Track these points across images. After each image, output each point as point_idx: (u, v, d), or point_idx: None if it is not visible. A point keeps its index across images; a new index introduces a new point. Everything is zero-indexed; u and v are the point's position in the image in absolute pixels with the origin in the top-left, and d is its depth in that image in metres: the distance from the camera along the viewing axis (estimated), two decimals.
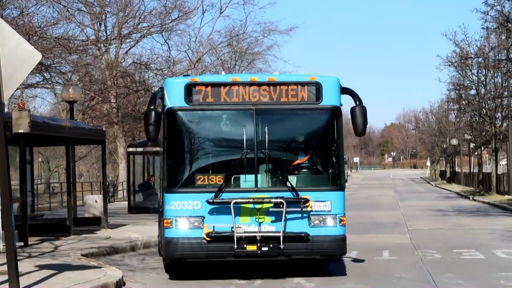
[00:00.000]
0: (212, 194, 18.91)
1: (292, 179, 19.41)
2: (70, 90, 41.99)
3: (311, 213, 19.21)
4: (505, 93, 64.93)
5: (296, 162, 20.02)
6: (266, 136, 19.32)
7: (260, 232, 18.93)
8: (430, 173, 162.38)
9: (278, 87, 19.58)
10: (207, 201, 18.85)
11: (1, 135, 17.46)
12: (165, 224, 19.25)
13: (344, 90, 20.08)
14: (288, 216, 18.98)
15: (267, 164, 19.47)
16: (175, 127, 19.45)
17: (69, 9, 44.70)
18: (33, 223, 31.50)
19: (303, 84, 19.71)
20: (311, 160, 20.37)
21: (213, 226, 18.85)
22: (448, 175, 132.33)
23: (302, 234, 19.03)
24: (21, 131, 25.42)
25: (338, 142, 19.88)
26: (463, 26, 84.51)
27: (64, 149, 37.53)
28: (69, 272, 20.23)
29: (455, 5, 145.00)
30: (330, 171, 20.08)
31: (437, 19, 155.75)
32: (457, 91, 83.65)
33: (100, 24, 64.36)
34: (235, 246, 18.70)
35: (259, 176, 19.31)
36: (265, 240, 18.85)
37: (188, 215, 19.04)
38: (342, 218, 19.49)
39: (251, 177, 19.30)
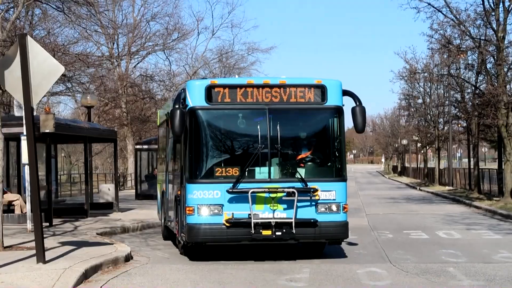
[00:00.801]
0: (230, 185, 18.21)
1: (301, 171, 18.77)
2: (88, 97, 42.02)
3: (319, 201, 18.60)
4: (446, 102, 65.08)
5: (304, 155, 19.34)
6: (278, 132, 18.66)
7: (274, 218, 18.26)
8: (384, 167, 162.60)
9: (288, 88, 18.94)
10: (227, 191, 18.14)
11: (31, 134, 17.50)
12: (187, 212, 18.44)
13: (345, 92, 19.49)
14: (299, 204, 18.30)
15: (279, 158, 18.83)
16: (196, 124, 18.60)
17: (87, 30, 44.42)
18: (56, 207, 31.43)
19: (310, 86, 19.10)
20: (317, 153, 19.73)
21: (232, 213, 18.19)
22: (399, 169, 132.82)
23: (312, 220, 18.41)
24: (47, 131, 25.38)
25: (340, 138, 19.34)
26: (412, 47, 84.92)
27: (83, 146, 37.44)
28: (86, 248, 20.21)
29: (406, 28, 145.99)
30: (334, 163, 19.50)
31: (391, 39, 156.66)
32: (407, 100, 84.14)
33: (113, 43, 64.31)
34: (253, 231, 18.04)
35: (272, 168, 18.61)
36: (279, 225, 18.21)
37: (209, 203, 18.31)
38: (345, 206, 18.92)
39: (265, 169, 18.59)
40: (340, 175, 19.12)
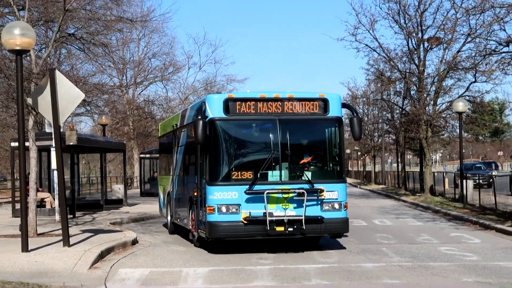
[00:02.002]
0: (246, 186, 16.59)
1: (308, 173, 17.15)
2: (103, 117, 41.94)
3: (324, 200, 17.05)
4: (380, 120, 65.48)
5: (310, 159, 17.59)
6: (287, 139, 16.97)
7: (286, 216, 16.67)
8: None
9: (295, 101, 17.40)
10: (245, 192, 16.55)
11: (58, 146, 17.45)
12: (208, 211, 16.78)
13: (344, 105, 18.46)
14: (307, 203, 16.73)
15: (289, 162, 17.08)
16: (215, 133, 16.88)
17: (102, 66, 44.36)
18: (78, 203, 31.36)
19: (314, 99, 17.58)
20: (321, 158, 18.14)
21: (249, 212, 16.60)
22: None
23: (319, 217, 16.88)
24: (71, 143, 25.23)
25: (340, 145, 17.98)
26: (354, 78, 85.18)
27: (99, 155, 37.36)
28: (102, 234, 20.12)
29: (349, 63, 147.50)
30: (336, 167, 18.01)
31: (338, 71, 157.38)
32: (349, 119, 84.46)
33: (123, 75, 64.26)
34: (268, 228, 16.47)
35: (282, 171, 16.96)
36: (291, 222, 16.61)
37: (227, 203, 16.64)
38: (345, 204, 17.42)
39: (276, 172, 16.91)
40: (341, 177, 17.78)
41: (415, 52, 40.73)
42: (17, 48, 16.33)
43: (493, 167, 59.98)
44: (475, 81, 39.02)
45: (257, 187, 16.63)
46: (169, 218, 23.31)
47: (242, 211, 16.66)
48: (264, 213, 16.59)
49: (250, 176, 16.85)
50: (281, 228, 16.59)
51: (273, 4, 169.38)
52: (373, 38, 40.70)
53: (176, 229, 22.49)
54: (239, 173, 16.97)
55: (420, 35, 40.13)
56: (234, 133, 17.43)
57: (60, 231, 17.81)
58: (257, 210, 16.65)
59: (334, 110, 17.64)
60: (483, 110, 49.73)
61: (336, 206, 17.22)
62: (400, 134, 52.66)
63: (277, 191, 16.67)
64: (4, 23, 27.85)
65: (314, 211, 16.93)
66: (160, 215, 26.67)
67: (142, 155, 53.57)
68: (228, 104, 17.06)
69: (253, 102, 17.25)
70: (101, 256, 16.24)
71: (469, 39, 34.86)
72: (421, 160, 45.49)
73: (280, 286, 12.91)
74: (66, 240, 17.06)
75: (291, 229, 16.61)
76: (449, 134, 50.83)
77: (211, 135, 16.85)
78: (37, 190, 21.76)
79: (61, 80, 17.44)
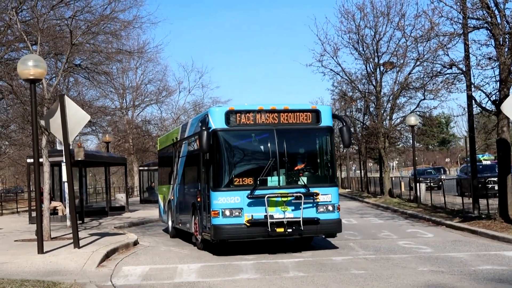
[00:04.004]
0: (247, 191, 15.70)
1: (304, 178, 16.26)
2: (107, 136, 41.96)
3: (319, 203, 16.15)
4: None
5: (305, 165, 16.70)
6: (284, 148, 16.10)
7: (285, 218, 15.78)
8: None
9: (290, 113, 16.49)
10: (247, 196, 15.67)
11: (68, 161, 17.33)
12: (213, 215, 15.78)
13: (334, 116, 17.66)
14: (304, 205, 15.88)
15: (286, 168, 16.18)
16: (217, 143, 15.93)
17: (105, 91, 44.34)
18: (86, 210, 31.21)
19: (307, 111, 16.68)
20: (315, 164, 17.19)
21: (252, 215, 15.68)
22: None
23: (315, 219, 15.99)
24: (79, 159, 25.16)
25: (332, 152, 17.01)
26: (321, 97, 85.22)
27: (104, 168, 37.15)
28: (107, 237, 19.99)
29: (317, 85, 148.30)
30: (328, 172, 16.92)
31: (308, 92, 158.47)
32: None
33: (123, 99, 64.07)
34: (269, 229, 15.57)
35: (280, 177, 16.02)
36: (290, 224, 15.73)
37: (231, 207, 15.70)
38: (338, 206, 16.54)
39: (275, 178, 15.99)
40: (333, 181, 16.74)
41: (373, 75, 40.91)
42: (31, 77, 16.32)
43: (442, 172, 60.12)
44: (424, 99, 39.28)
45: (257, 192, 15.75)
46: (170, 223, 22.42)
47: (244, 214, 15.76)
48: (265, 215, 15.74)
49: (250, 182, 15.94)
50: (281, 229, 15.75)
51: (252, 35, 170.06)
52: (337, 64, 40.86)
53: (177, 233, 21.70)
54: (240, 179, 16.03)
55: (376, 60, 40.33)
56: (235, 142, 16.51)
57: (71, 235, 17.73)
58: (258, 213, 15.78)
59: (326, 120, 16.77)
60: (431, 123, 50.07)
61: (330, 208, 16.35)
62: (362, 145, 52.87)
63: (276, 195, 15.79)
64: (19, 56, 27.70)
65: (310, 213, 16.09)
66: (160, 220, 25.91)
67: (141, 168, 54.10)
68: (229, 116, 16.20)
69: (252, 114, 16.37)
70: (107, 256, 16.12)
71: (418, 63, 35.09)
72: (380, 167, 45.62)
73: (262, 278, 12.84)
74: (76, 242, 16.93)
75: (290, 230, 15.79)
76: (403, 144, 51.18)
77: (214, 144, 15.95)
78: (50, 200, 21.57)
79: (70, 104, 17.35)
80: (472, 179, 24.94)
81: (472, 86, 22.18)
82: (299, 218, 15.83)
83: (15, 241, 19.95)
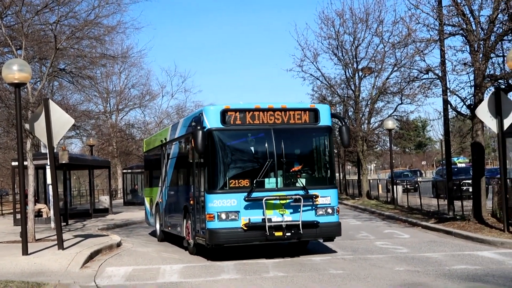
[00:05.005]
0: (244, 194, 14.61)
1: (302, 180, 15.15)
2: (91, 139, 41.75)
3: (318, 205, 15.15)
4: None
5: (303, 167, 15.54)
6: (282, 148, 15.03)
7: (284, 221, 14.75)
8: None
9: (288, 112, 15.39)
10: (244, 199, 14.58)
11: (52, 164, 17.27)
12: (208, 218, 14.69)
13: (333, 115, 16.47)
14: (303, 208, 14.86)
15: (284, 169, 15.06)
16: (212, 143, 14.81)
17: (89, 95, 44.11)
18: (70, 212, 31.03)
19: (305, 110, 15.61)
20: (313, 165, 16.07)
21: (249, 218, 14.60)
22: None
23: (314, 222, 15.00)
24: (63, 162, 25.02)
25: (331, 152, 15.99)
26: (301, 102, 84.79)
27: (88, 171, 37.00)
28: (91, 239, 19.89)
29: (296, 90, 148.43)
30: (327, 173, 15.87)
31: (289, 97, 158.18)
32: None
33: (107, 103, 63.83)
34: (267, 233, 14.53)
35: (278, 179, 14.94)
36: (288, 227, 14.70)
37: (227, 210, 14.58)
38: (337, 209, 15.60)
39: (273, 179, 14.92)
40: (332, 182, 15.78)
41: (352, 80, 41.18)
42: (16, 81, 16.25)
43: (418, 174, 60.61)
44: (401, 103, 39.62)
45: (255, 194, 14.65)
46: (158, 226, 21.40)
47: (241, 218, 14.65)
48: (263, 219, 14.67)
49: (247, 184, 14.81)
50: (280, 233, 14.71)
51: (234, 41, 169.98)
52: (317, 69, 41.18)
53: (166, 236, 20.79)
54: (236, 181, 14.88)
55: (355, 65, 40.59)
56: (231, 142, 15.38)
57: (55, 237, 17.60)
58: (255, 216, 14.70)
59: (324, 120, 15.73)
60: (408, 127, 50.48)
61: (329, 210, 15.35)
62: (340, 148, 52.98)
63: (274, 197, 14.75)
64: (4, 61, 27.50)
65: (309, 216, 15.07)
66: (145, 222, 25.01)
67: (124, 171, 54.04)
68: (225, 115, 15.08)
69: (249, 113, 15.23)
70: (91, 257, 16.03)
71: (396, 68, 35.38)
72: (358, 169, 45.82)
73: (243, 278, 12.86)
74: (60, 244, 16.83)
75: (289, 234, 14.74)
76: (381, 148, 51.47)
77: (208, 145, 14.83)
78: (35, 202, 21.43)
79: (54, 108, 17.27)
80: (447, 181, 25.15)
81: (448, 91, 22.41)
82: (298, 221, 14.84)
83: (0, 242, 19.82)
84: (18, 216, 25.41)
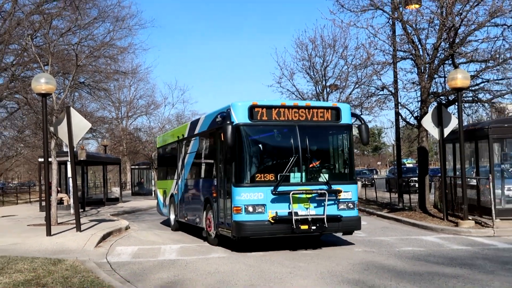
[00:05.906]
0: (271, 188, 12.72)
1: (326, 175, 13.33)
2: (105, 140, 41.47)
3: (340, 200, 13.31)
4: None
5: (326, 162, 13.83)
6: (306, 144, 13.16)
7: (309, 215, 12.93)
8: None
9: (312, 110, 13.58)
10: (272, 192, 12.71)
11: (72, 161, 17.13)
12: (235, 211, 12.74)
13: (353, 114, 14.38)
14: (327, 202, 13.04)
15: (308, 165, 13.24)
16: (239, 138, 12.92)
17: (104, 104, 43.94)
18: (87, 200, 30.86)
19: (328, 108, 13.84)
20: (336, 161, 14.17)
21: (276, 212, 12.73)
22: None
23: (338, 216, 13.18)
24: (81, 159, 24.82)
25: (351, 149, 14.06)
26: None
27: (102, 167, 36.79)
28: (104, 222, 19.78)
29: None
30: (348, 169, 13.98)
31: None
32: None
33: (118, 110, 63.59)
34: (294, 226, 12.69)
35: (303, 173, 13.12)
36: (314, 221, 12.87)
37: (254, 203, 12.68)
38: (357, 204, 13.80)
39: (298, 174, 13.09)
40: (352, 178, 13.97)
41: (321, 95, 41.10)
42: (43, 92, 16.19)
43: (374, 173, 60.72)
44: (361, 114, 39.70)
45: (281, 188, 12.79)
46: (172, 216, 19.18)
47: (268, 211, 12.78)
48: (289, 212, 12.85)
49: (272, 178, 12.93)
50: (305, 227, 12.87)
51: (224, 62, 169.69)
52: (292, 85, 40.98)
53: (180, 226, 18.71)
54: (263, 175, 12.99)
55: (324, 83, 40.50)
56: (258, 137, 13.45)
57: (74, 221, 17.50)
58: (282, 210, 12.86)
59: (346, 118, 13.95)
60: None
61: (351, 205, 13.57)
62: None
63: (300, 191, 12.90)
64: (33, 74, 27.36)
65: (332, 210, 13.27)
66: (158, 213, 22.45)
67: (132, 167, 53.95)
68: (252, 111, 13.22)
69: (275, 109, 13.41)
70: (103, 238, 15.93)
71: (357, 85, 35.44)
72: None
73: (230, 256, 12.81)
74: (78, 227, 16.72)
75: (314, 227, 12.91)
76: None
77: (236, 139, 12.92)
78: (57, 192, 21.28)
79: (74, 114, 17.16)
80: (398, 178, 25.28)
81: (399, 104, 22.56)
82: (323, 215, 13.02)
83: (27, 225, 19.66)
84: (43, 203, 25.28)
